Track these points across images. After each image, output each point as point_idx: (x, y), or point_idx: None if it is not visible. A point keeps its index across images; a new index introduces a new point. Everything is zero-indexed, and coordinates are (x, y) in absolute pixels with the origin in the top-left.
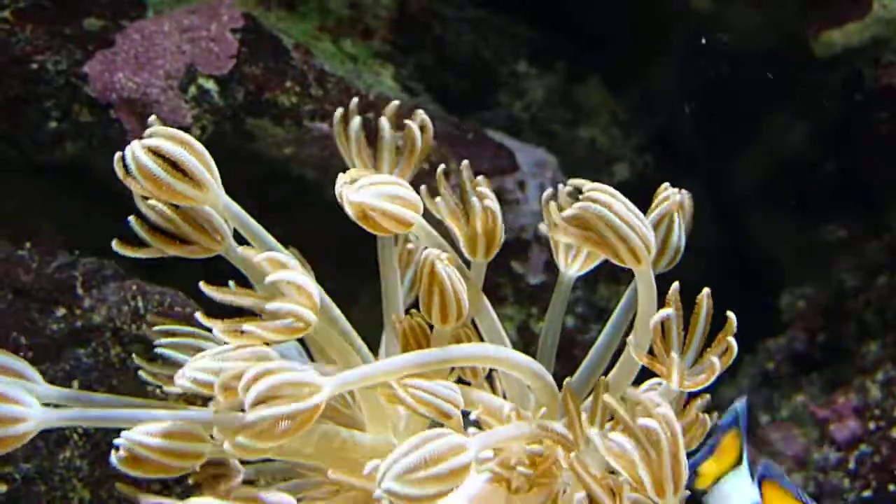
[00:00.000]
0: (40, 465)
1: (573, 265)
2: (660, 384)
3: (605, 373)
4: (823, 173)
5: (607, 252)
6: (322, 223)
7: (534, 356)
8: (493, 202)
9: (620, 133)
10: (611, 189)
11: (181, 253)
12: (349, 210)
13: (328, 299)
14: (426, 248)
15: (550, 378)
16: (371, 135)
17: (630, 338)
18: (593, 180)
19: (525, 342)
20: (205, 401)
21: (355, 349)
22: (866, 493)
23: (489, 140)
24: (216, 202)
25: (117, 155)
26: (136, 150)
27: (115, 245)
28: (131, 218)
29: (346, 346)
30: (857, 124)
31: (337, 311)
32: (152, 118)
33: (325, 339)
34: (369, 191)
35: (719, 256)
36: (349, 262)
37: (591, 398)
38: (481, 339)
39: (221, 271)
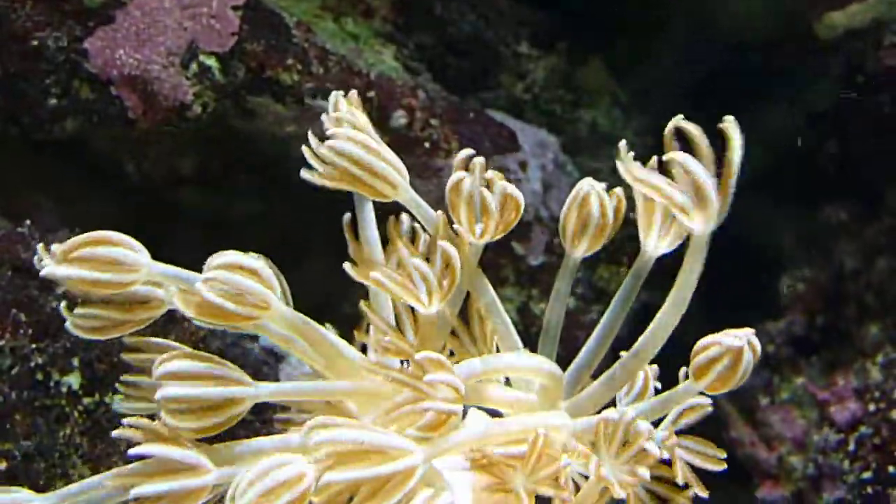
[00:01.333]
0: (40, 443)
1: (579, 247)
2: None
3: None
4: (824, 156)
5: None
6: (324, 201)
7: (536, 337)
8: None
9: (621, 115)
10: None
11: (123, 333)
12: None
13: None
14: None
15: (555, 367)
16: (375, 114)
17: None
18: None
19: (525, 323)
20: None
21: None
22: (866, 475)
23: (490, 120)
24: (150, 276)
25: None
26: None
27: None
28: (68, 323)
29: (328, 352)
30: (858, 106)
31: (301, 318)
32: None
33: (301, 350)
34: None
35: (719, 240)
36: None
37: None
38: (468, 321)
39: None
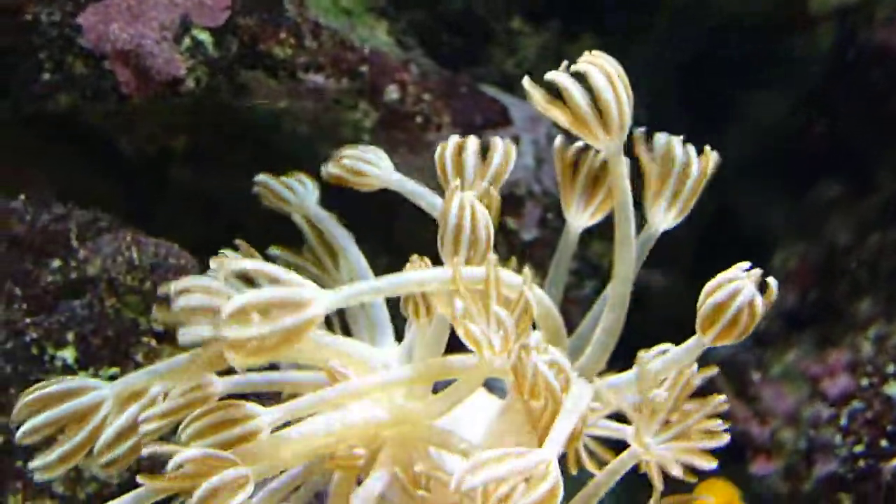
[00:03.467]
0: None
1: (581, 216)
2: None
3: None
4: (816, 132)
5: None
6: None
7: None
8: None
9: None
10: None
11: None
12: None
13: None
14: None
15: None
16: (367, 88)
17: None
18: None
19: None
20: None
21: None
22: (858, 449)
23: (483, 94)
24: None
25: None
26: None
27: None
28: None
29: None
30: (849, 83)
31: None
32: None
33: None
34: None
35: (713, 218)
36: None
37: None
38: None
39: (216, 231)
